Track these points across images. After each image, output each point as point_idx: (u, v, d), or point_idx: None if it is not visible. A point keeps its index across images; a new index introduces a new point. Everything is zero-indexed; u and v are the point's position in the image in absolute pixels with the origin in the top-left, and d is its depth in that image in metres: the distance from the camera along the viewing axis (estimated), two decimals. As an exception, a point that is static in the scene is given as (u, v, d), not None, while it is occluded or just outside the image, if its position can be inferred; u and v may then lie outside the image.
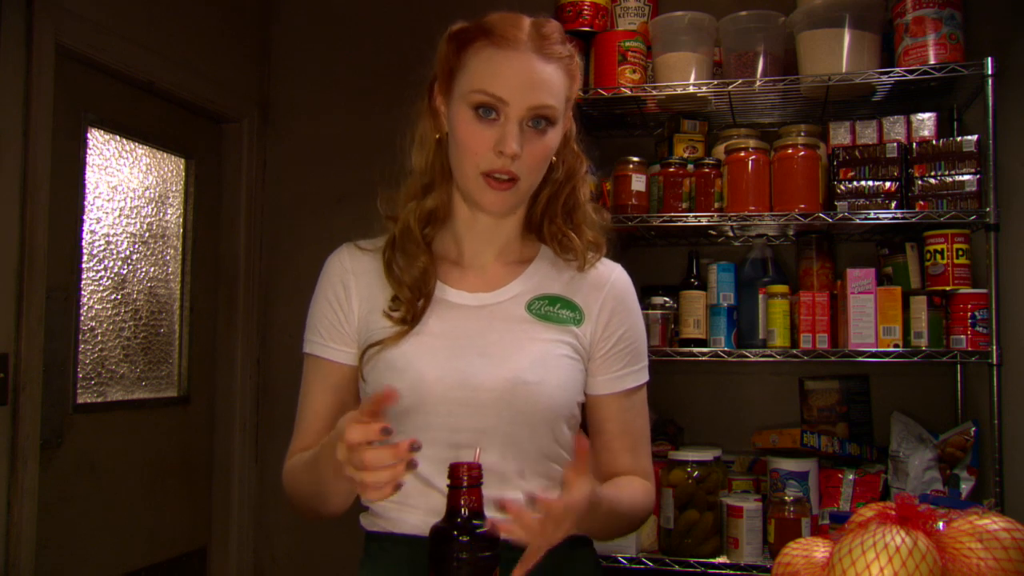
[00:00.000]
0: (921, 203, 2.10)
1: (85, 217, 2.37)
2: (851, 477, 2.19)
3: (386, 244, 1.25)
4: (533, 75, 1.14)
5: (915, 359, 2.07)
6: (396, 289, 1.21)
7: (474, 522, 0.97)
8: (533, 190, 1.22)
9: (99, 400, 2.43)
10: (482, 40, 1.16)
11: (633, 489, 1.23)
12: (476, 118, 1.15)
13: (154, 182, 2.68)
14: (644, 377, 1.29)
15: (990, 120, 2.02)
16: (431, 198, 1.24)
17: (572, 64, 1.20)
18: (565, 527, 0.99)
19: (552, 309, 1.23)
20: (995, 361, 1.99)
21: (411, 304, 1.20)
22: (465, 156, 1.16)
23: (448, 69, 1.19)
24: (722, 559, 2.12)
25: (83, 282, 2.37)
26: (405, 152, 1.27)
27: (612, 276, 1.29)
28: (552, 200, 1.27)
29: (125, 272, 2.54)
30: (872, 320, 2.09)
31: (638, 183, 2.30)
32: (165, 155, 2.73)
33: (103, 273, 2.45)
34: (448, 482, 0.98)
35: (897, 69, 2.12)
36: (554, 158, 1.23)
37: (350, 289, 1.25)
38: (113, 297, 2.49)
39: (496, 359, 1.17)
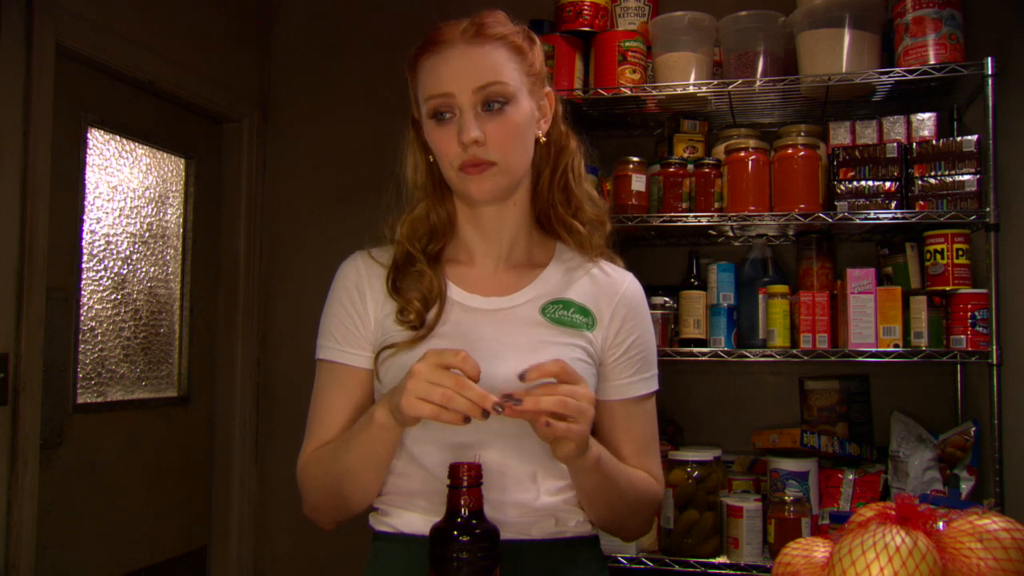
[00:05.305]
0: (921, 203, 2.10)
1: (85, 217, 2.37)
2: (851, 477, 2.19)
3: (389, 269, 1.26)
4: (469, 60, 1.17)
5: (915, 359, 2.07)
6: (402, 304, 1.23)
7: (474, 522, 0.97)
8: (520, 171, 1.23)
9: (99, 400, 2.43)
10: (423, 56, 1.21)
11: (633, 471, 1.24)
12: (438, 124, 1.19)
13: (154, 182, 2.68)
14: (653, 386, 1.29)
15: (990, 120, 2.01)
16: (421, 207, 1.27)
17: (517, 39, 1.22)
18: (585, 397, 1.05)
19: (566, 313, 1.24)
20: (995, 361, 1.98)
21: (421, 314, 1.22)
22: (442, 161, 1.21)
23: (414, 96, 1.25)
24: (722, 559, 2.12)
25: (83, 282, 2.37)
26: (404, 179, 1.30)
27: (625, 284, 1.30)
28: (550, 185, 1.28)
29: (125, 272, 2.54)
30: (872, 320, 2.09)
31: (638, 183, 2.30)
32: (165, 155, 2.73)
33: (103, 273, 2.45)
34: (448, 482, 0.98)
35: (897, 69, 2.12)
36: (543, 138, 1.26)
37: (365, 294, 1.26)
38: (113, 297, 2.49)
39: (510, 362, 1.17)
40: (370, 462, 1.17)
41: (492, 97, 1.17)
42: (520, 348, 1.19)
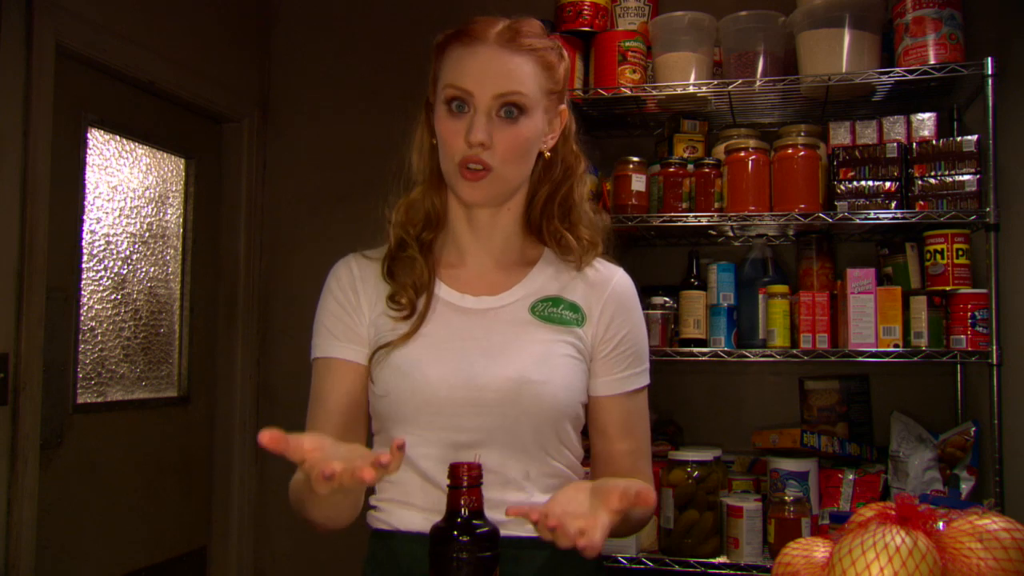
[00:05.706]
0: (921, 203, 2.10)
1: (85, 217, 2.37)
2: (851, 477, 2.19)
3: (385, 254, 1.28)
4: (498, 65, 1.17)
5: (915, 359, 2.07)
6: (395, 288, 1.24)
7: (474, 522, 0.97)
8: (516, 182, 1.24)
9: (99, 400, 2.43)
10: (454, 43, 1.21)
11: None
12: (449, 113, 1.19)
13: (154, 182, 2.68)
14: (645, 380, 1.30)
15: (990, 120, 2.01)
16: (418, 191, 1.28)
17: (549, 55, 1.22)
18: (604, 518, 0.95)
19: (555, 310, 1.25)
20: (995, 361, 1.98)
21: (412, 302, 1.22)
22: (443, 150, 1.21)
23: (433, 78, 1.24)
24: (722, 559, 2.12)
25: (83, 282, 2.37)
26: (407, 161, 1.30)
27: (614, 279, 1.30)
28: (549, 199, 1.29)
29: (125, 272, 2.54)
30: (872, 320, 2.09)
31: (638, 183, 2.30)
32: (165, 155, 2.73)
33: (103, 273, 2.45)
34: (448, 482, 0.98)
35: (897, 69, 2.12)
36: (548, 154, 1.26)
37: (359, 294, 1.26)
38: (113, 297, 2.49)
39: (501, 359, 1.19)
40: (332, 508, 1.15)
41: (510, 105, 1.17)
42: (510, 346, 1.20)
